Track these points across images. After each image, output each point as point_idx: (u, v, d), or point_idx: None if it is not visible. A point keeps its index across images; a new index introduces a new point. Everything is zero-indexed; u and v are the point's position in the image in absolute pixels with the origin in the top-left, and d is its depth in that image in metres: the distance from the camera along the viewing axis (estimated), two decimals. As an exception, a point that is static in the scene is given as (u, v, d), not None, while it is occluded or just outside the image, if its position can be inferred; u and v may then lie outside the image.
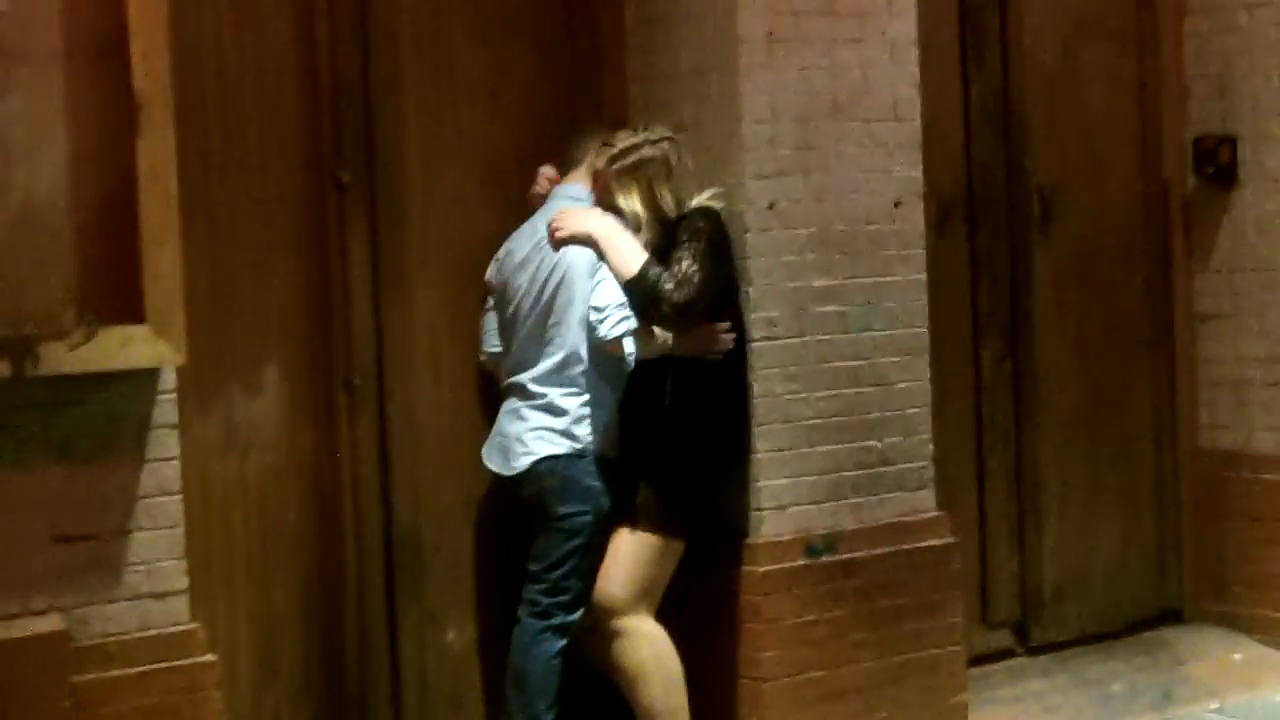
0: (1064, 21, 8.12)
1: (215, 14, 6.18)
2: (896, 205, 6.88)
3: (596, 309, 6.19)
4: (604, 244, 6.23)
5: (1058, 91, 8.10)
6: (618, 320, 6.17)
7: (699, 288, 6.18)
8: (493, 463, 6.39)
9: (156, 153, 5.43)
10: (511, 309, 6.38)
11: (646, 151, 6.35)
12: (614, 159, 6.36)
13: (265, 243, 6.31)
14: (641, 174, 6.34)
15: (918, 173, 6.95)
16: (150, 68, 5.40)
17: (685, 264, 6.19)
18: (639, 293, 6.16)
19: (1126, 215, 8.32)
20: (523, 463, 6.28)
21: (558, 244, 6.25)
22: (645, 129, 6.44)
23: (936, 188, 7.43)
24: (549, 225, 6.29)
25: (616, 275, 6.20)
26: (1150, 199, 8.37)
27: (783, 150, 6.62)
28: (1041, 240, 8.02)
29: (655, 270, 6.17)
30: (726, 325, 6.35)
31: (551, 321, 6.28)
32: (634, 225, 6.33)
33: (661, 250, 6.26)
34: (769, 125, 6.60)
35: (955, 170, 7.75)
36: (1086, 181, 8.20)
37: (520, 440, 6.29)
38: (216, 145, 6.17)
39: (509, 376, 6.38)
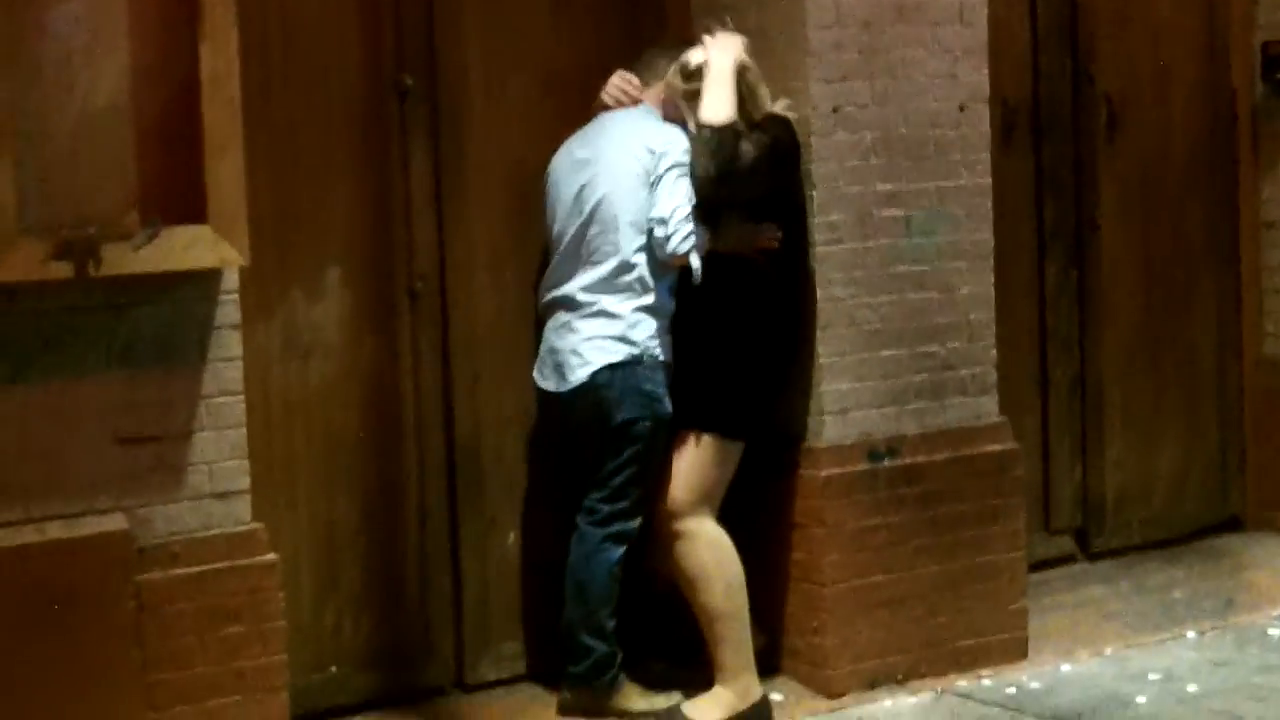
0: (1134, -78, 8.02)
1: (276, -82, 6.15)
2: (961, 110, 6.78)
3: (661, 221, 6.11)
4: (716, 80, 6.14)
5: (1125, -2, 8.00)
6: (685, 235, 6.08)
7: (748, 168, 6.10)
8: (547, 382, 6.31)
9: (219, 58, 5.40)
10: (557, 219, 6.31)
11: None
12: (689, 77, 6.26)
13: (327, 149, 6.27)
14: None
15: (983, 77, 6.84)
16: (212, -29, 5.37)
17: (747, 146, 6.12)
18: (713, 140, 6.07)
19: (1193, 124, 8.23)
20: (580, 375, 6.19)
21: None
22: (712, 34, 6.32)
23: (1002, 95, 7.36)
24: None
25: (707, 109, 6.11)
26: (1218, 107, 8.27)
27: (847, 54, 6.54)
28: (1107, 149, 7.95)
29: (738, 132, 6.11)
30: (773, 227, 6.28)
31: (596, 230, 6.19)
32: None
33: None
34: (834, 29, 6.51)
35: (1021, 78, 7.67)
36: (1153, 90, 8.12)
37: (575, 353, 6.20)
38: (278, 52, 6.12)
39: (550, 291, 6.30)
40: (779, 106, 6.31)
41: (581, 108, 6.51)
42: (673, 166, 6.14)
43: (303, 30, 6.19)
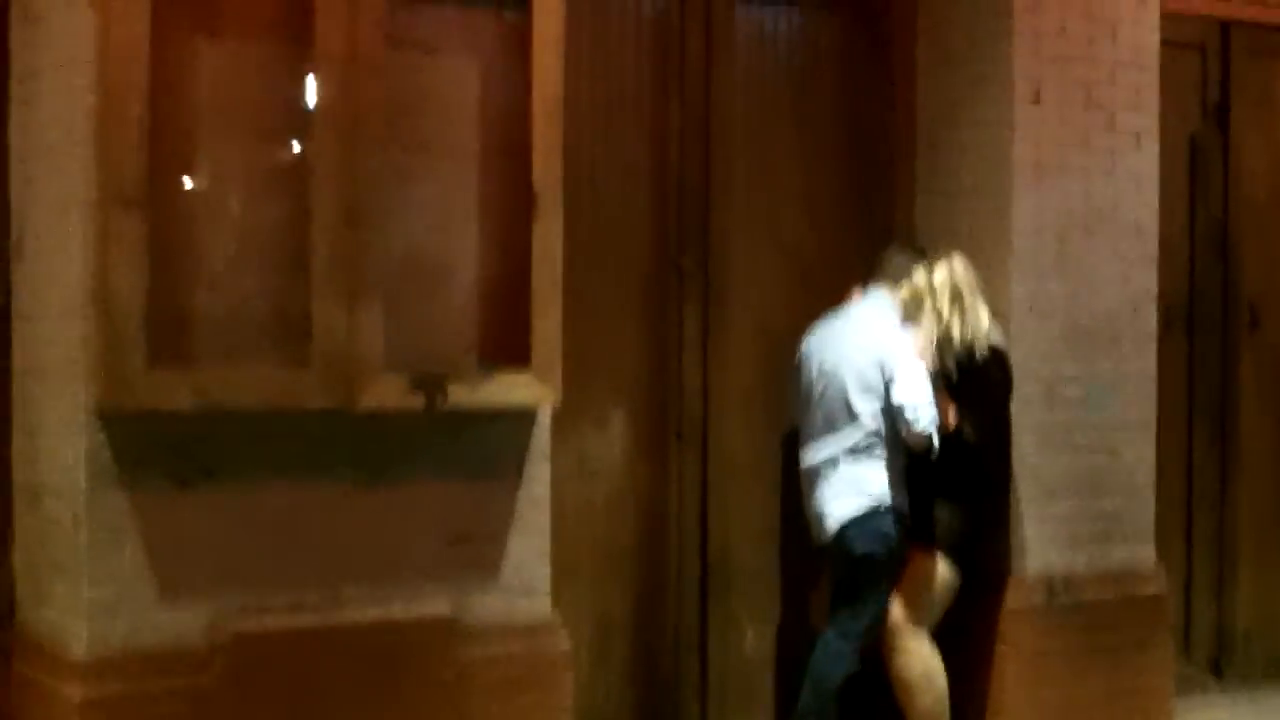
0: (1275, 162, 7.89)
1: (592, 129, 6.23)
2: (1134, 308, 6.72)
3: (907, 406, 6.01)
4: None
5: (1267, 220, 7.87)
6: (929, 419, 6.03)
7: (986, 434, 6.20)
8: (816, 539, 6.25)
9: (548, 237, 5.47)
10: (806, 390, 6.27)
11: (938, 291, 6.24)
12: (914, 293, 6.25)
13: (619, 313, 6.34)
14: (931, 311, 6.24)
15: (1153, 283, 6.80)
16: (547, 168, 5.45)
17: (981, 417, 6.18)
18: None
19: (1319, 326, 8.07)
20: (832, 526, 6.14)
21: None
22: (938, 262, 6.25)
23: (1164, 295, 7.24)
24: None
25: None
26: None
27: (1043, 258, 6.53)
28: (1249, 343, 7.81)
29: (965, 431, 6.15)
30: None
31: (836, 407, 6.14)
32: (925, 350, 6.18)
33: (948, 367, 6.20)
34: (1033, 238, 6.51)
35: (1180, 282, 7.56)
36: (1288, 295, 7.97)
37: (828, 511, 6.14)
38: (586, 233, 6.17)
39: (809, 457, 6.22)
40: (994, 333, 6.25)
41: (821, 286, 6.51)
42: (903, 361, 6.08)
43: (607, 219, 6.29)
